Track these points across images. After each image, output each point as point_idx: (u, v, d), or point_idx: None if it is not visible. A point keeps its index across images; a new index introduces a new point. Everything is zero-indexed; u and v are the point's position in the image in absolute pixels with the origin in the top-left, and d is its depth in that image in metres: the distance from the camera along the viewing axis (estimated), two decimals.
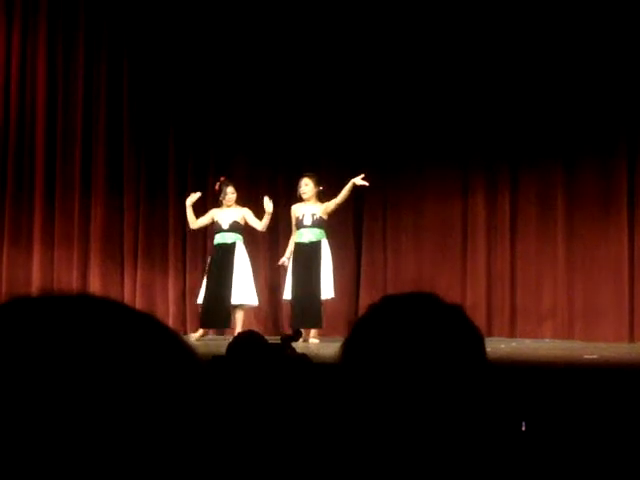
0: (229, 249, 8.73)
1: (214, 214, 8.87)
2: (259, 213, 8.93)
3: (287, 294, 8.70)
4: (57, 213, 10.07)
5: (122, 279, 10.03)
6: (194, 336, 8.72)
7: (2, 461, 0.65)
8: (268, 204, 8.60)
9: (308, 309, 8.45)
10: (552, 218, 9.22)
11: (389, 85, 9.67)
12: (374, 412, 1.23)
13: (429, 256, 9.59)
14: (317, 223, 8.58)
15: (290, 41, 9.76)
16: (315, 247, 8.53)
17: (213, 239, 8.92)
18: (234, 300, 8.64)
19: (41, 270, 10.00)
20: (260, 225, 8.75)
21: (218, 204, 8.90)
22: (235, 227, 8.80)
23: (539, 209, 9.29)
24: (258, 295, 8.87)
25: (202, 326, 8.87)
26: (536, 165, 9.26)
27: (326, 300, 8.60)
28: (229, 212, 8.83)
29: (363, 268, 9.79)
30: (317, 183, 8.65)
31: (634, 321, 8.89)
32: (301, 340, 7.31)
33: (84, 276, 10.02)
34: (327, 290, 8.52)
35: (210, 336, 9.07)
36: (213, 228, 8.94)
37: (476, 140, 9.45)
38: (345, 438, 1.24)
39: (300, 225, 8.59)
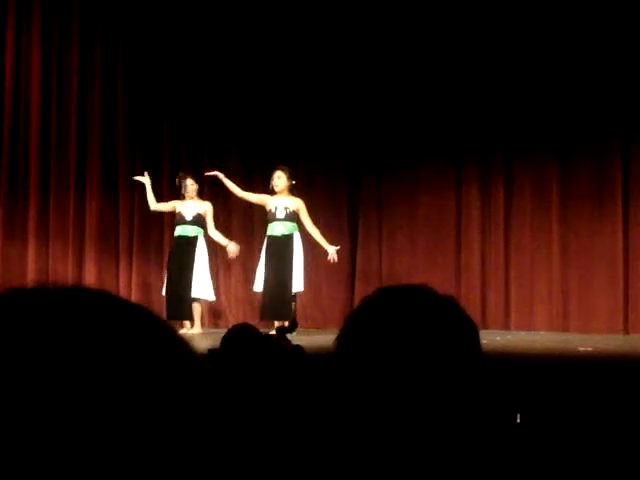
0: (191, 242, 8.74)
1: (176, 205, 8.87)
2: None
3: (257, 286, 8.69)
4: (52, 207, 10.06)
5: (117, 272, 10.03)
6: (194, 331, 8.68)
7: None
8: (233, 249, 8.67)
9: (278, 302, 8.46)
10: (546, 211, 9.23)
11: (383, 81, 9.67)
12: (369, 404, 1.23)
13: (424, 249, 9.60)
14: (289, 217, 8.56)
15: (285, 37, 9.76)
16: (287, 240, 8.52)
17: (174, 230, 8.90)
18: (194, 293, 8.65)
19: (36, 264, 10.00)
20: (211, 229, 8.76)
21: (180, 197, 8.89)
22: (198, 220, 8.79)
23: (533, 202, 9.30)
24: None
25: (166, 319, 8.81)
26: (530, 158, 9.27)
27: (297, 293, 8.59)
28: (192, 204, 8.82)
29: (358, 262, 9.80)
30: (290, 176, 8.63)
31: (628, 313, 8.91)
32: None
33: (79, 269, 10.01)
34: (297, 283, 8.52)
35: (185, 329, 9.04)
36: (174, 220, 8.93)
37: (470, 134, 9.46)
38: (340, 430, 1.25)
39: (272, 218, 8.58)
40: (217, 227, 8.92)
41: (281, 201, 8.59)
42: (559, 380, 4.60)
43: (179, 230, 8.79)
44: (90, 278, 9.86)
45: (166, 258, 9.86)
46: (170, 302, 8.68)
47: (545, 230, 9.23)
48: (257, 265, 8.77)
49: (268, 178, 9.56)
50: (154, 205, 8.98)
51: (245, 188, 9.36)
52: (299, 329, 8.08)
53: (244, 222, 9.77)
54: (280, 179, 8.60)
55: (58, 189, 10.05)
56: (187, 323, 8.76)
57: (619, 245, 8.97)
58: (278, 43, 9.76)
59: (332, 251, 8.58)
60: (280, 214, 8.56)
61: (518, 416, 3.29)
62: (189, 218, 8.76)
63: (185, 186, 8.80)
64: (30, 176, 10.10)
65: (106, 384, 0.67)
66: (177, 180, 8.98)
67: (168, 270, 8.81)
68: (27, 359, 0.66)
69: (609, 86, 8.98)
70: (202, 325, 9.08)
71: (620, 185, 9.01)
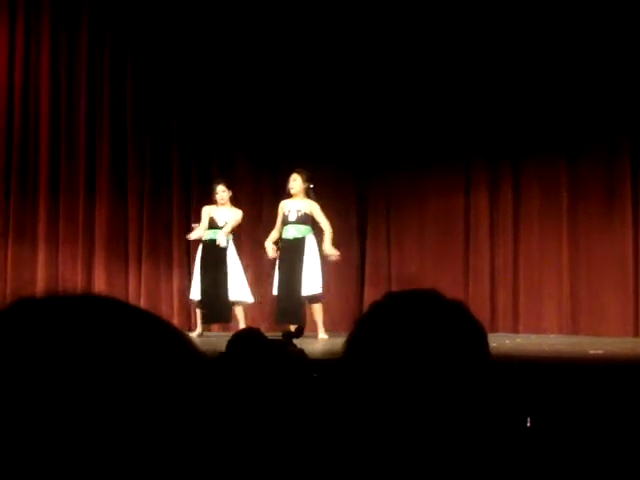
0: (222, 247, 8.77)
1: (210, 210, 8.89)
2: (258, 210, 9.02)
3: (275, 289, 8.74)
4: (61, 211, 10.09)
5: (127, 276, 10.05)
6: (194, 334, 8.69)
7: (6, 461, 0.65)
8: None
9: (289, 305, 8.47)
10: (555, 213, 9.20)
11: (390, 82, 9.66)
12: (378, 408, 1.23)
13: (433, 253, 9.59)
14: (302, 219, 8.58)
15: (294, 40, 9.76)
16: (299, 243, 8.54)
17: (205, 234, 8.92)
18: (232, 296, 8.68)
19: (46, 268, 10.02)
20: (227, 230, 8.78)
21: (213, 202, 8.91)
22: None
23: (542, 205, 9.28)
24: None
25: (205, 322, 8.88)
26: (539, 160, 9.25)
27: (315, 295, 8.59)
28: (224, 212, 8.85)
29: (367, 266, 9.79)
30: (306, 179, 8.65)
31: (639, 315, 8.88)
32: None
33: (89, 274, 10.03)
34: (313, 286, 8.51)
35: (212, 332, 9.07)
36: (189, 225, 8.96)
37: (478, 136, 9.44)
38: (348, 434, 1.25)
39: (286, 221, 8.62)
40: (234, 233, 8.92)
41: (295, 204, 8.62)
42: (569, 383, 4.58)
43: (210, 234, 8.81)
44: (100, 283, 9.88)
45: (175, 261, 9.88)
46: (210, 305, 8.70)
47: (554, 233, 9.21)
48: (271, 269, 8.82)
49: (276, 181, 9.57)
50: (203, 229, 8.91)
51: (253, 191, 9.40)
52: (307, 333, 8.12)
53: (252, 227, 9.77)
54: (296, 182, 8.63)
55: (68, 194, 10.07)
56: (198, 326, 8.80)
57: (629, 247, 8.95)
58: (286, 46, 9.77)
59: (330, 252, 8.58)
60: (292, 217, 8.59)
61: (528, 420, 3.28)
62: (221, 223, 8.79)
63: (216, 193, 8.82)
64: (40, 181, 10.13)
65: (117, 392, 0.67)
66: (192, 227, 9.06)
67: (201, 273, 8.79)
68: (39, 369, 0.66)
69: (617, 88, 8.96)
70: (211, 329, 9.07)
71: (630, 187, 8.98)
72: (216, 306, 8.69)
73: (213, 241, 8.77)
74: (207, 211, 8.90)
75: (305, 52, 9.76)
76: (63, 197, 10.08)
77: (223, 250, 8.74)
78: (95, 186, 10.06)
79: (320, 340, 8.20)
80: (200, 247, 8.90)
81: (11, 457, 0.65)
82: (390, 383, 1.22)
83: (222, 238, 8.71)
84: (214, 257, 8.73)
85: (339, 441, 1.26)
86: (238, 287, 8.76)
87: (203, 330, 8.80)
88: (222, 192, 8.83)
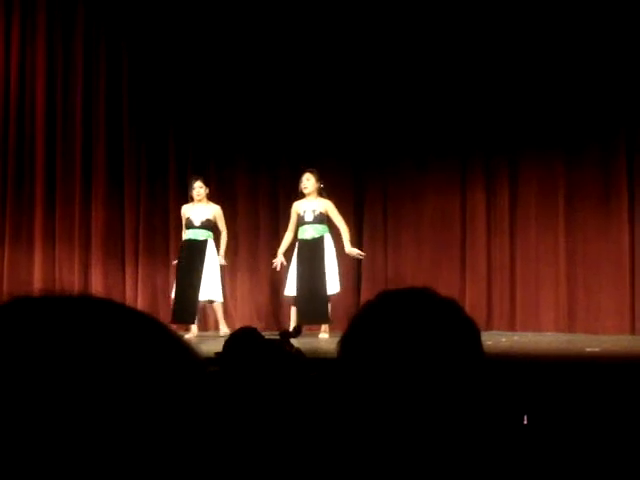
0: (200, 245, 8.75)
1: (185, 210, 8.87)
2: (255, 209, 9.01)
3: (289, 290, 8.71)
4: (58, 212, 10.07)
5: (123, 276, 10.04)
6: (191, 334, 8.65)
7: (3, 462, 0.65)
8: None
9: (314, 305, 8.47)
10: (552, 211, 9.21)
11: (388, 81, 9.66)
12: (372, 407, 1.23)
13: (430, 251, 9.60)
14: (318, 219, 8.61)
15: (290, 39, 9.76)
16: (318, 243, 8.56)
17: (183, 234, 8.90)
18: (203, 296, 8.66)
19: (42, 268, 10.01)
20: (224, 233, 8.79)
21: (188, 199, 8.89)
22: (206, 224, 8.80)
23: (539, 203, 9.28)
24: (224, 292, 8.93)
25: (172, 322, 8.78)
26: (536, 159, 9.26)
27: (332, 295, 8.62)
28: (200, 209, 8.82)
29: (364, 264, 9.79)
30: (318, 179, 8.68)
31: (635, 313, 8.88)
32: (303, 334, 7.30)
33: (85, 274, 10.02)
34: (333, 285, 8.55)
35: (209, 333, 9.05)
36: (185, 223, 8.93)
37: (475, 135, 9.45)
38: (343, 432, 1.25)
39: (302, 222, 8.62)
40: (213, 231, 8.89)
41: (309, 204, 8.63)
42: (566, 381, 4.59)
43: (189, 234, 8.80)
44: (96, 283, 9.87)
45: (172, 261, 9.88)
46: (178, 305, 8.68)
47: (551, 231, 9.22)
48: (268, 269, 8.81)
49: (274, 181, 9.58)
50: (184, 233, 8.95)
51: (251, 191, 9.39)
52: (305, 332, 8.12)
53: (250, 226, 9.77)
54: (309, 181, 8.65)
55: (64, 195, 10.06)
56: (193, 327, 8.75)
57: (625, 245, 8.96)
58: (283, 45, 9.77)
59: (351, 252, 8.62)
60: (309, 217, 8.61)
61: (525, 417, 3.28)
62: (197, 223, 8.77)
63: (193, 189, 8.80)
64: (36, 181, 10.11)
65: (112, 394, 0.67)
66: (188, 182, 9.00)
67: (177, 274, 8.81)
68: (34, 369, 0.66)
69: (614, 87, 8.97)
70: (209, 328, 9.07)
71: (625, 186, 8.99)
72: (184, 307, 8.66)
73: (191, 241, 8.75)
74: (183, 212, 8.89)
75: (303, 54, 9.76)
76: (59, 198, 10.07)
77: (201, 250, 8.71)
78: (91, 187, 10.05)
79: (321, 339, 8.20)
80: (182, 247, 8.89)
81: (6, 457, 0.65)
82: (384, 381, 1.23)
83: (222, 260, 8.74)
84: (191, 257, 8.71)
85: (336, 440, 1.26)
86: (211, 287, 8.72)
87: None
88: (199, 188, 8.78)
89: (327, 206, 8.65)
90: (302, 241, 8.62)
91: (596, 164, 9.06)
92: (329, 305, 8.58)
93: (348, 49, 9.65)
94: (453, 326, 1.26)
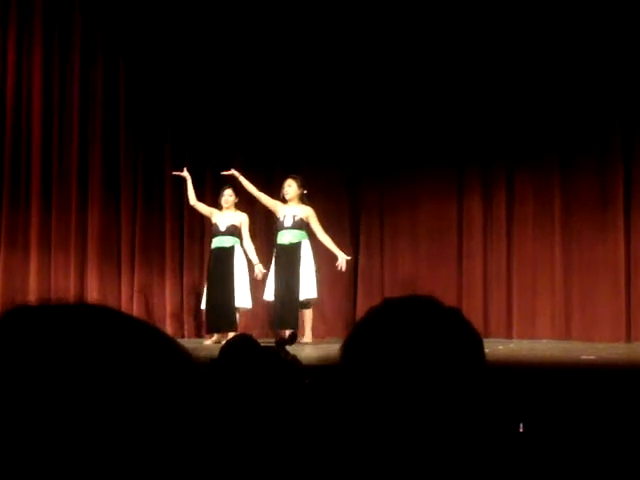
0: (228, 252, 8.77)
1: (214, 214, 8.93)
2: (254, 214, 9.02)
3: (268, 295, 8.73)
4: (54, 218, 10.06)
5: (119, 283, 10.02)
6: (209, 342, 8.63)
7: (3, 464, 0.65)
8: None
9: (285, 310, 8.48)
10: (549, 219, 9.23)
11: (384, 87, 9.69)
12: (373, 414, 1.23)
13: (426, 258, 9.61)
14: (298, 225, 8.62)
15: (287, 42, 9.78)
16: (295, 248, 8.57)
17: (210, 242, 8.95)
18: (237, 303, 8.69)
19: (38, 275, 9.99)
20: (247, 241, 8.80)
21: (218, 207, 8.95)
22: (233, 231, 8.83)
23: (535, 210, 9.30)
24: (252, 298, 8.92)
25: (208, 331, 8.87)
26: (532, 167, 9.28)
27: (309, 300, 8.59)
28: (227, 215, 8.87)
29: (360, 270, 9.80)
30: (301, 185, 8.70)
31: (631, 321, 8.90)
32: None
33: (81, 280, 10.00)
34: (309, 290, 8.53)
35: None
36: (211, 230, 8.97)
37: (472, 142, 9.47)
38: (344, 440, 1.25)
39: (281, 227, 8.65)
40: (240, 238, 8.91)
41: (290, 209, 8.65)
42: (562, 388, 4.59)
43: (216, 242, 8.84)
44: (92, 288, 9.86)
45: (168, 267, 9.88)
46: (213, 314, 8.68)
47: (547, 238, 9.23)
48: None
49: (270, 184, 9.58)
50: (193, 200, 9.02)
51: (247, 198, 9.35)
52: (300, 340, 8.12)
53: (267, 233, 9.73)
54: (291, 187, 8.67)
55: (60, 201, 10.04)
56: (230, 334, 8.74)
57: (621, 253, 8.97)
58: (280, 49, 9.79)
59: (342, 259, 8.61)
60: (288, 222, 8.62)
61: (521, 425, 3.28)
62: (223, 229, 8.81)
63: (222, 196, 8.85)
64: (32, 187, 10.10)
65: (108, 398, 0.67)
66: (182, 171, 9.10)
67: (208, 282, 8.81)
68: (32, 377, 0.66)
69: (610, 96, 8.99)
70: (206, 335, 9.04)
71: (622, 193, 9.02)
72: (220, 315, 8.66)
73: (219, 249, 8.79)
74: (211, 211, 8.96)
75: (299, 59, 9.78)
76: (55, 204, 10.05)
77: (230, 256, 8.75)
78: (87, 193, 10.04)
79: (304, 344, 8.17)
80: (210, 256, 8.92)
81: (6, 460, 0.65)
82: (386, 388, 1.23)
83: (259, 271, 8.72)
84: (221, 265, 8.74)
85: (335, 447, 1.26)
86: (241, 293, 8.76)
87: (218, 340, 8.52)
88: (229, 196, 8.87)
89: (308, 213, 8.66)
90: (279, 246, 8.63)
91: (592, 173, 9.08)
92: (310, 311, 8.56)
93: (345, 56, 9.68)
94: (456, 335, 1.26)
